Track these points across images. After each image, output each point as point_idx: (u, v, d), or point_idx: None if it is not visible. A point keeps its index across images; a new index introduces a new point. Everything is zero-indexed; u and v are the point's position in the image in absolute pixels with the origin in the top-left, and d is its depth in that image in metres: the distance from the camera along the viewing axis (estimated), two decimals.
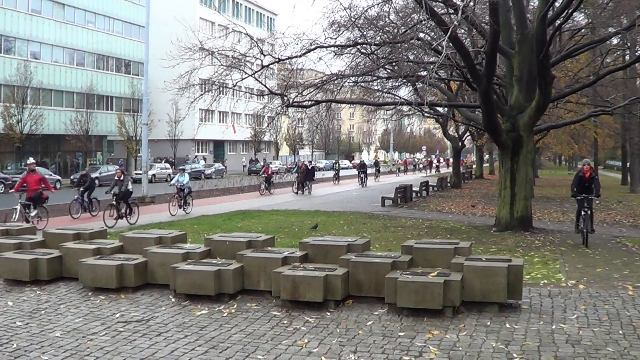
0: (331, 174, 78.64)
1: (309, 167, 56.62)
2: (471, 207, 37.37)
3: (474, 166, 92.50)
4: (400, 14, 27.85)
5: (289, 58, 27.51)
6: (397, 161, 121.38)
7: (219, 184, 65.18)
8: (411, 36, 23.78)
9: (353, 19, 25.26)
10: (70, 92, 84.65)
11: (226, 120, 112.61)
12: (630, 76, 39.69)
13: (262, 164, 71.43)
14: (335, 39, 26.86)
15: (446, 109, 48.21)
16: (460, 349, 9.74)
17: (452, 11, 23.20)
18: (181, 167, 43.46)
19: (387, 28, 26.80)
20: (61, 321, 11.85)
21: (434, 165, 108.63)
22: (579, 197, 22.34)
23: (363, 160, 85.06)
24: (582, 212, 22.06)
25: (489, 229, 25.96)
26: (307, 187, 54.31)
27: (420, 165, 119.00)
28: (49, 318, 12.09)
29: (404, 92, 41.39)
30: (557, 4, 23.55)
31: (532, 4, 32.46)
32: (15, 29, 76.10)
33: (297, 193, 53.14)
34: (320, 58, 27.76)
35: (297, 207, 38.41)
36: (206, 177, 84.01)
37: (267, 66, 27.81)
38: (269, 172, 55.55)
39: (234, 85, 28.08)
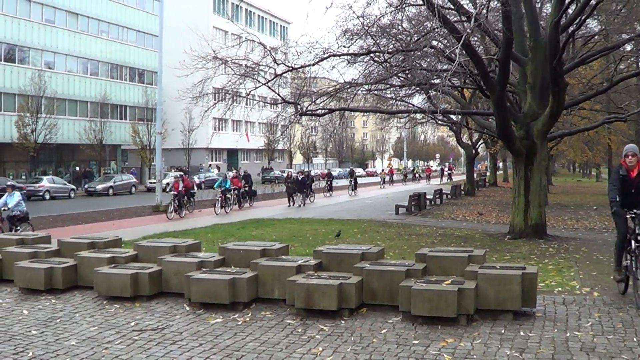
0: (346, 182, 77.99)
1: (299, 178, 51.39)
2: (479, 214, 37.23)
3: (488, 174, 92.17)
4: (413, 22, 27.85)
5: (302, 67, 27.50)
6: (382, 170, 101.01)
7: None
8: (424, 44, 23.82)
9: (366, 27, 25.26)
10: (84, 102, 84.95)
11: (240, 129, 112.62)
12: None
13: (176, 176, 51.98)
14: (349, 47, 26.85)
15: (459, 116, 48.20)
16: (475, 357, 9.74)
17: (465, 19, 23.16)
18: (9, 184, 39.09)
19: (400, 36, 26.78)
20: (76, 330, 11.88)
21: (445, 173, 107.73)
22: (628, 215, 13.08)
23: (352, 169, 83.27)
24: (633, 244, 12.84)
25: (503, 236, 25.89)
26: (300, 199, 50.19)
27: (417, 175, 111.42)
28: (64, 327, 12.13)
29: (418, 100, 41.37)
30: (570, 11, 23.54)
31: (545, 11, 32.46)
32: (30, 39, 76.42)
33: (289, 206, 48.92)
34: (333, 66, 27.74)
35: (312, 215, 38.44)
36: None
37: (281, 75, 27.82)
38: (179, 188, 40.76)
39: (248, 94, 28.10)
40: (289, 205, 48.97)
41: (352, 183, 65.38)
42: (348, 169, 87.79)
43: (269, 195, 63.99)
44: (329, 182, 65.73)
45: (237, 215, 39.76)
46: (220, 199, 42.83)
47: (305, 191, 51.70)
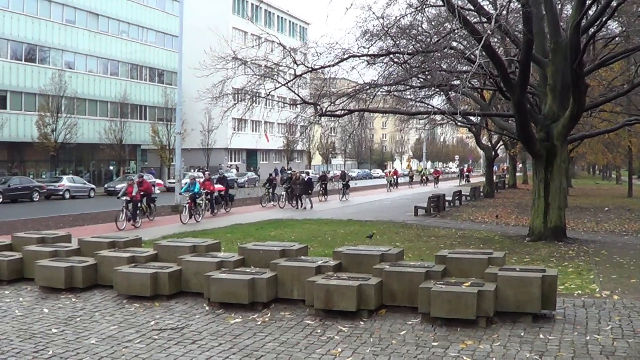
0: (364, 183, 77.37)
1: (306, 179, 47.67)
2: (495, 217, 37.10)
3: (507, 175, 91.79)
4: (433, 23, 27.87)
5: (321, 67, 27.49)
6: (388, 171, 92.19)
7: (252, 192, 64.15)
8: (444, 45, 23.78)
9: (386, 28, 25.25)
10: (104, 102, 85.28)
11: (259, 129, 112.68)
12: None
13: (130, 179, 41.42)
14: (368, 48, 26.87)
15: (479, 118, 48.11)
16: (494, 359, 9.72)
17: (485, 20, 23.18)
18: None
19: (420, 37, 26.78)
20: (96, 328, 11.94)
21: (463, 174, 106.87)
22: None
23: (344, 171, 74.33)
24: None
25: (523, 238, 25.81)
26: (303, 202, 47.35)
27: (425, 177, 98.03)
28: (84, 325, 12.18)
29: (437, 101, 41.35)
30: (590, 13, 23.45)
31: (565, 12, 32.34)
32: (50, 39, 76.73)
33: (295, 208, 46.53)
34: (353, 67, 27.73)
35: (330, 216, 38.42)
36: (239, 186, 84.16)
37: (300, 75, 27.81)
38: (133, 193, 33.51)
39: (267, 95, 28.13)
40: (297, 208, 46.43)
41: (343, 186, 58.72)
42: (340, 171, 77.90)
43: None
44: (323, 186, 56.91)
45: (209, 224, 34.40)
46: (187, 205, 36.45)
47: (310, 193, 48.11)
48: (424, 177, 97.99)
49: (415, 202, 45.10)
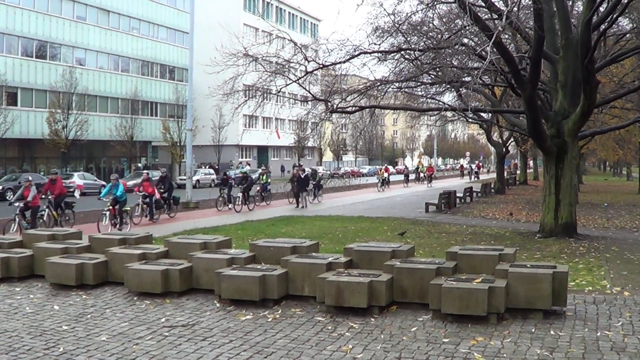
0: (362, 180, 76.26)
1: (302, 176, 45.49)
2: (509, 214, 36.97)
3: (518, 172, 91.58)
4: (444, 20, 27.80)
5: (332, 64, 27.48)
6: (380, 169, 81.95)
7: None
8: (455, 42, 23.76)
9: (397, 25, 25.27)
10: (115, 98, 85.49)
11: (270, 126, 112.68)
12: None
13: (27, 179, 30.45)
14: (379, 44, 26.88)
15: (490, 114, 48.04)
16: (505, 355, 9.71)
17: (496, 16, 23.10)
18: None
19: (431, 34, 26.73)
20: (107, 325, 11.95)
21: (473, 171, 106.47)
22: None
23: (314, 169, 64.19)
24: None
25: (533, 235, 25.77)
26: (310, 198, 46.71)
27: (422, 175, 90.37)
28: (95, 322, 12.20)
29: (448, 97, 41.33)
30: (601, 9, 23.40)
31: (576, 9, 32.29)
32: (61, 35, 76.97)
33: (297, 207, 43.95)
34: (364, 64, 27.80)
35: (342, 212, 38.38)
36: None
37: (311, 72, 27.79)
38: (29, 197, 27.64)
39: (278, 91, 28.13)
40: (297, 207, 44.00)
41: (315, 187, 51.46)
42: (310, 169, 61.67)
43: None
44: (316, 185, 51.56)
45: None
46: (108, 212, 29.63)
47: (307, 190, 46.45)
48: (421, 175, 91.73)
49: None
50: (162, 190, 36.92)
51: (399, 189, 71.23)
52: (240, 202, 41.65)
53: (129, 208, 31.08)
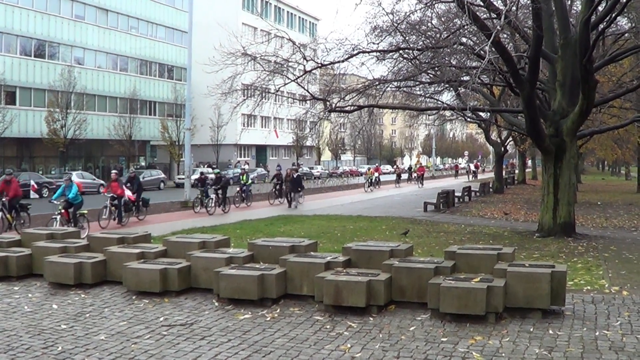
0: (355, 180, 75.63)
1: (294, 176, 43.78)
2: (504, 214, 36.96)
3: (517, 171, 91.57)
4: (442, 19, 27.84)
5: (331, 63, 27.50)
6: (369, 169, 79.25)
7: (261, 188, 61.75)
8: (454, 41, 23.78)
9: (395, 24, 25.28)
10: (113, 97, 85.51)
11: (268, 125, 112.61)
12: None
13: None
14: (378, 44, 26.91)
15: (489, 114, 48.04)
16: (503, 355, 9.72)
17: (495, 16, 23.10)
18: None
19: (429, 33, 26.78)
20: (105, 324, 11.97)
21: (471, 170, 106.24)
22: None
23: (279, 167, 54.69)
24: None
25: (532, 234, 25.78)
26: (294, 200, 43.78)
27: (415, 175, 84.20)
28: (93, 321, 12.21)
29: (447, 97, 41.31)
30: (600, 9, 23.41)
31: (575, 8, 32.31)
32: (59, 34, 76.93)
33: (289, 207, 42.85)
34: (362, 63, 27.71)
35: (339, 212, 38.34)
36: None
37: (310, 71, 27.80)
38: None
39: (277, 91, 28.18)
40: (289, 207, 42.86)
41: (276, 188, 48.61)
42: (276, 169, 53.37)
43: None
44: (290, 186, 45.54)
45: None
46: (59, 216, 26.93)
47: (299, 190, 44.50)
48: (413, 174, 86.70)
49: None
50: (218, 187, 38.01)
51: (390, 189, 69.27)
52: (213, 204, 39.41)
53: (85, 211, 28.29)
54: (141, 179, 43.59)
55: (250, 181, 47.21)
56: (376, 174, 72.08)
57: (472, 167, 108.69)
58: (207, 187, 41.19)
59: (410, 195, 56.04)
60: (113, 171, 36.38)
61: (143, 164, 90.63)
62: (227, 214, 38.94)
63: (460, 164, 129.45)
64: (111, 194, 32.11)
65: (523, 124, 28.81)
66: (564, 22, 24.90)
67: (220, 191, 40.10)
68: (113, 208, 32.07)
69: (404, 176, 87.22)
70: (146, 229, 22.01)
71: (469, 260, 13.29)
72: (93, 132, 78.34)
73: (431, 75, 29.99)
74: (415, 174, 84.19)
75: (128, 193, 33.25)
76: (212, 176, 43.42)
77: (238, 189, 45.77)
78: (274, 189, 47.96)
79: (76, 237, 18.97)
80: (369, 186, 67.01)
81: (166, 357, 10.00)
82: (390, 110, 61.41)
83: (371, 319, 11.87)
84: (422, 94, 35.21)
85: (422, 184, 76.54)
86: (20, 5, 72.06)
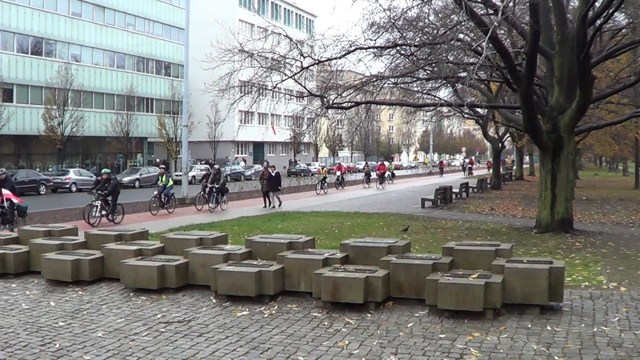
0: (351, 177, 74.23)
1: (272, 174, 40.69)
2: (491, 209, 36.95)
3: (514, 167, 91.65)
4: (439, 15, 27.83)
5: (328, 60, 27.48)
6: (323, 167, 70.84)
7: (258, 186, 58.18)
8: (451, 37, 23.73)
9: (392, 20, 25.23)
10: (110, 94, 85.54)
11: (266, 121, 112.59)
12: None
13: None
14: (375, 40, 26.88)
15: (486, 110, 48.08)
16: (502, 351, 9.71)
17: (492, 12, 23.12)
18: None
19: (426, 29, 26.75)
20: (103, 321, 11.94)
21: (466, 167, 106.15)
22: None
23: (217, 166, 45.57)
24: None
25: (530, 230, 25.79)
26: (271, 200, 40.93)
27: (389, 173, 75.30)
28: (91, 318, 12.19)
29: (444, 93, 41.33)
30: (597, 4, 23.40)
31: (572, 4, 32.27)
32: (56, 31, 76.98)
33: (265, 207, 40.22)
34: (359, 59, 27.69)
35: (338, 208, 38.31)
36: (246, 179, 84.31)
37: (307, 68, 27.79)
38: None
39: (274, 87, 28.17)
40: (265, 206, 40.19)
41: (205, 190, 40.09)
42: (214, 168, 43.91)
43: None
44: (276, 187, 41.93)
45: None
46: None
47: (279, 189, 41.78)
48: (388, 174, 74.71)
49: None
50: (105, 193, 30.90)
51: (356, 191, 61.87)
52: (97, 213, 30.98)
53: None
54: (139, 176, 41.47)
55: (170, 183, 38.85)
56: (338, 173, 66.29)
57: (468, 163, 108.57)
58: (204, 184, 39.45)
59: (407, 192, 55.97)
60: (1, 169, 29.17)
61: (136, 160, 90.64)
62: (118, 224, 30.69)
63: (446, 160, 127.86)
64: None
65: (521, 120, 28.84)
66: (562, 18, 24.90)
67: (109, 197, 31.54)
68: None
69: (374, 175, 72.93)
70: (143, 226, 22.01)
71: (466, 256, 13.27)
72: (90, 129, 78.36)
73: (428, 72, 30.03)
74: (390, 173, 76.89)
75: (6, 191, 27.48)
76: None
77: (155, 192, 38.26)
78: (202, 192, 40.22)
79: (73, 234, 18.90)
80: (321, 187, 57.54)
81: (164, 354, 9.98)
82: (388, 107, 60.98)
83: (369, 315, 11.85)
84: (420, 90, 35.28)
85: (384, 185, 67.82)
86: (17, 2, 72.09)
